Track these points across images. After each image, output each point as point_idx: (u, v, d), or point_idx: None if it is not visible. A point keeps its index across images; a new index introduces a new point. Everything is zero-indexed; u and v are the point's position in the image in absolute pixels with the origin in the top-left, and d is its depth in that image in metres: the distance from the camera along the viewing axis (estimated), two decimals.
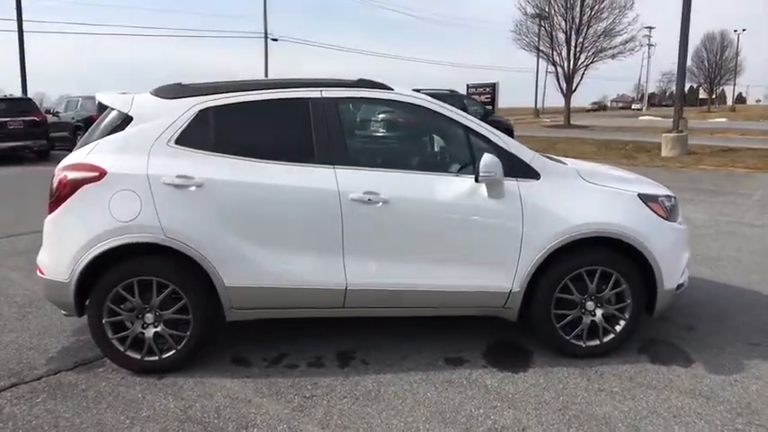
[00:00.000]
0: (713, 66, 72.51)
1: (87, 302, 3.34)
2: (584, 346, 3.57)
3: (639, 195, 3.60)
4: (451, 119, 3.52)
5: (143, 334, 3.35)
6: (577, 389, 3.24)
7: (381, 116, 3.78)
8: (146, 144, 3.33)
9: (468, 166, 3.49)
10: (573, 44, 29.12)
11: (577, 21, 28.73)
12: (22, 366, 3.50)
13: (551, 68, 30.55)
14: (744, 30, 65.12)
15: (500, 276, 3.44)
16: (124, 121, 3.39)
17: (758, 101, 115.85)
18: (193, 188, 3.26)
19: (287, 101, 3.45)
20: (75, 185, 3.26)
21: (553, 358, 3.59)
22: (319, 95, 3.45)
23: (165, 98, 3.44)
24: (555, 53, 29.59)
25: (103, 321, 3.31)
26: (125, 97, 3.50)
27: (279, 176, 3.32)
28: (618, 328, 3.58)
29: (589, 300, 3.53)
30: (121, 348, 3.36)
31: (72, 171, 3.28)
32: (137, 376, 3.37)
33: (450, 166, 3.54)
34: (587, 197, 3.51)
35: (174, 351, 3.37)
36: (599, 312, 3.55)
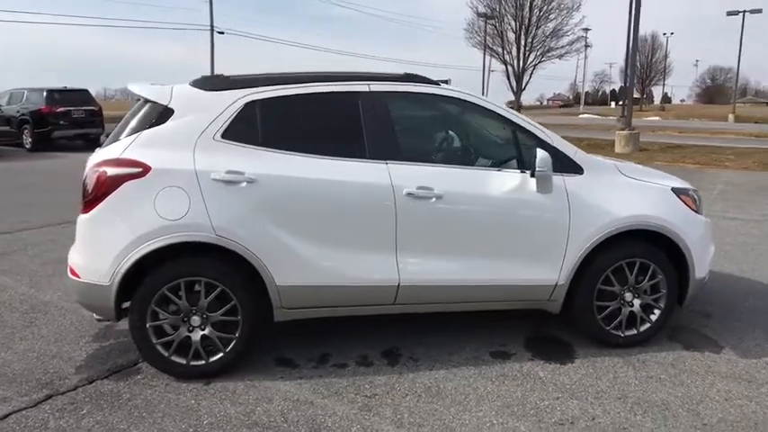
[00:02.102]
0: (645, 67, 76.13)
1: (129, 306, 3.15)
2: (622, 335, 3.68)
3: (673, 189, 3.74)
4: (498, 113, 3.54)
5: (189, 337, 3.20)
6: (628, 377, 3.33)
7: (428, 110, 3.75)
8: (190, 138, 3.17)
9: (515, 160, 3.52)
10: (522, 44, 29.98)
11: (527, 21, 29.56)
12: (51, 376, 3.26)
13: (499, 67, 31.45)
14: (672, 33, 68.91)
15: (547, 270, 3.50)
16: (163, 114, 3.21)
17: (683, 100, 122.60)
18: (244, 184, 3.13)
19: (335, 95, 3.37)
20: (115, 182, 3.06)
21: (592, 348, 3.68)
22: (368, 89, 3.39)
23: (207, 90, 3.28)
24: (505, 52, 30.42)
25: (147, 326, 3.14)
26: (163, 89, 3.31)
27: (332, 172, 3.23)
28: (653, 317, 3.71)
29: (627, 291, 3.64)
30: (165, 353, 3.19)
31: (112, 167, 3.08)
32: (181, 382, 3.21)
33: (497, 160, 3.55)
34: (627, 191, 3.61)
35: (221, 354, 3.23)
36: (637, 303, 3.67)
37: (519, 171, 3.47)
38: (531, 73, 30.53)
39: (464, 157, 3.68)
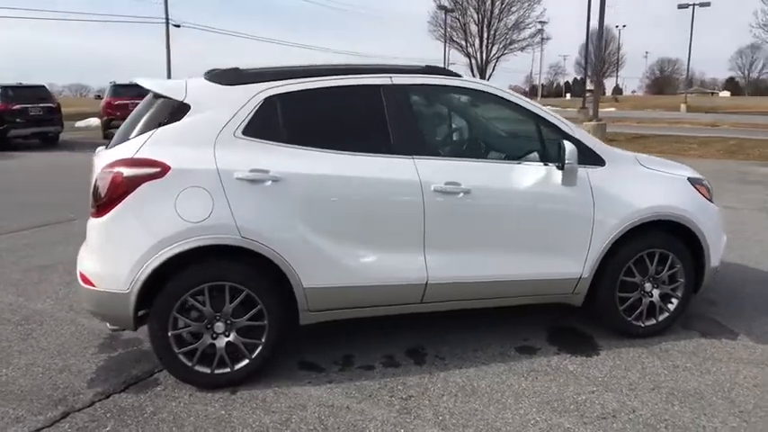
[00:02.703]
0: (599, 59, 78.00)
1: (149, 314, 2.97)
2: (643, 325, 3.70)
3: (689, 179, 3.78)
4: (520, 105, 3.49)
5: (213, 345, 3.04)
6: (655, 368, 3.35)
7: (450, 103, 3.67)
8: (209, 135, 3.00)
9: (536, 153, 3.48)
10: (485, 36, 30.24)
11: (489, 13, 29.83)
12: (63, 392, 3.06)
13: (460, 60, 31.64)
14: (624, 26, 70.74)
15: (572, 263, 3.48)
16: (179, 110, 3.04)
17: (634, 91, 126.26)
18: (269, 183, 2.99)
19: (358, 88, 3.25)
20: (132, 184, 2.87)
21: (613, 339, 3.69)
22: (390, 82, 3.28)
23: (224, 84, 3.12)
24: (468, 45, 30.64)
25: (169, 334, 2.97)
26: (177, 84, 3.13)
27: (358, 169, 3.12)
28: (671, 306, 3.74)
29: (647, 281, 3.67)
30: (189, 363, 3.02)
31: (128, 167, 2.89)
32: (206, 392, 3.05)
33: (521, 153, 3.50)
34: (647, 182, 3.63)
35: (247, 361, 3.09)
36: (656, 293, 3.69)
37: (542, 164, 3.44)
38: (495, 65, 30.93)
39: (488, 151, 3.63)
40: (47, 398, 3.00)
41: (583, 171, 3.45)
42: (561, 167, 3.30)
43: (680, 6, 44.37)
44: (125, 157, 2.93)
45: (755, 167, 12.53)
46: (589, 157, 3.50)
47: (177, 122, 3.01)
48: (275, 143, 3.07)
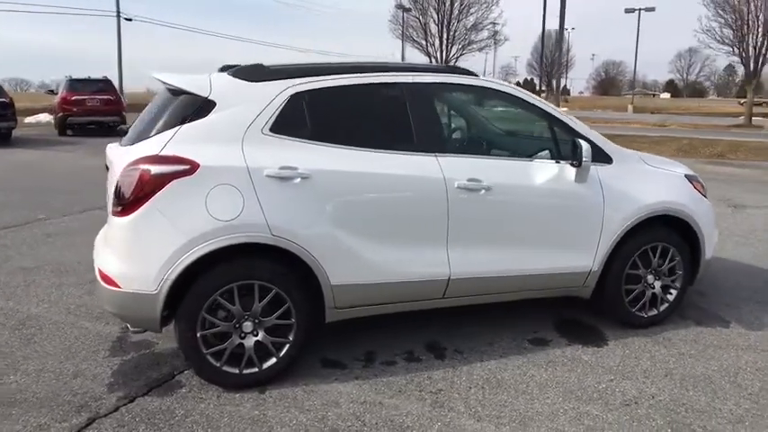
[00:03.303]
0: (549, 60, 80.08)
1: (177, 315, 2.91)
2: (645, 316, 3.87)
3: (686, 176, 3.98)
4: (534, 105, 3.59)
5: (242, 345, 3.01)
6: (663, 355, 3.52)
7: (469, 102, 3.74)
8: (237, 132, 2.97)
9: (550, 151, 3.58)
10: (445, 36, 30.62)
11: (448, 14, 30.21)
12: (83, 398, 2.95)
13: (421, 59, 31.87)
14: (573, 29, 72.76)
15: (584, 257, 3.61)
16: (204, 106, 2.98)
17: (581, 92, 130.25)
18: (298, 180, 2.98)
19: (382, 85, 3.28)
20: (161, 181, 2.81)
21: (617, 330, 3.85)
22: (412, 80, 3.32)
23: (250, 81, 3.08)
24: (428, 44, 30.95)
25: (198, 335, 2.91)
26: (200, 79, 3.07)
27: (385, 165, 3.15)
28: (670, 297, 3.93)
29: (649, 273, 3.84)
30: (217, 363, 2.98)
31: (156, 165, 2.82)
32: (234, 392, 3.01)
33: (536, 151, 3.59)
34: (651, 179, 3.80)
35: (275, 360, 3.07)
36: (657, 284, 3.87)
37: (554, 161, 3.55)
38: (455, 65, 31.18)
39: (504, 148, 3.71)
40: (67, 404, 2.90)
41: (593, 168, 3.57)
42: (578, 165, 3.42)
43: (627, 11, 46.16)
44: (151, 153, 2.86)
45: (711, 166, 13.18)
46: (598, 155, 3.63)
47: (203, 119, 2.96)
48: (302, 140, 3.06)
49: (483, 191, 3.30)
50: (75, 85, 16.88)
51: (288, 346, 3.08)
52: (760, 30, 25.85)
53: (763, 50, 26.28)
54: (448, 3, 30.10)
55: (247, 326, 3.00)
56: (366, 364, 3.37)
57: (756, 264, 5.41)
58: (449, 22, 30.47)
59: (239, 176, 2.89)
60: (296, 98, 3.08)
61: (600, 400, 3.01)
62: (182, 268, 2.81)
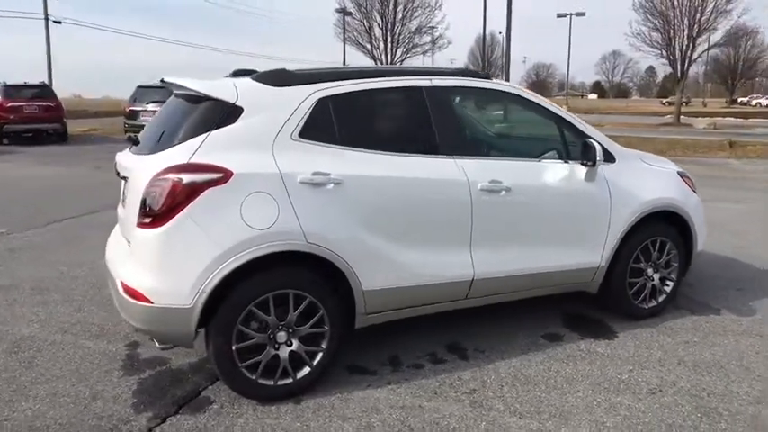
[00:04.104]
0: (486, 63, 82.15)
1: (212, 328, 2.81)
2: (646, 307, 4.05)
3: (678, 173, 4.19)
4: (544, 107, 3.70)
5: (276, 356, 2.93)
6: (670, 344, 3.69)
7: (483, 105, 3.79)
8: (267, 139, 2.90)
9: (558, 151, 3.70)
10: (389, 40, 30.86)
11: (392, 18, 30.46)
12: (110, 421, 2.80)
13: (363, 61, 31.98)
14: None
15: (593, 253, 3.74)
16: (232, 112, 2.89)
17: None
18: (331, 186, 2.94)
19: (403, 89, 3.28)
20: (194, 190, 2.71)
21: (621, 321, 4.01)
22: (431, 84, 3.35)
23: (276, 86, 3.02)
24: (373, 48, 31.10)
25: (233, 348, 2.82)
26: (224, 85, 2.98)
27: (412, 170, 3.16)
28: (667, 288, 4.13)
29: (649, 267, 4.02)
30: (252, 376, 2.90)
31: (188, 174, 2.71)
32: (268, 405, 2.94)
33: (546, 152, 3.69)
34: (650, 176, 3.98)
35: (309, 369, 3.01)
36: (656, 277, 4.07)
37: (563, 161, 3.66)
38: None
39: (519, 149, 3.79)
40: (94, 428, 2.74)
41: (600, 167, 3.71)
42: (593, 164, 3.54)
43: (559, 15, 48.03)
44: (180, 162, 2.74)
45: None
46: (604, 155, 3.77)
47: (231, 126, 2.87)
48: (330, 145, 3.02)
49: (503, 192, 3.37)
50: (10, 91, 15.89)
51: (321, 354, 3.03)
52: (685, 33, 27.53)
53: (689, 53, 28.03)
54: (392, 6, 30.39)
55: (281, 336, 2.94)
56: (394, 368, 3.36)
57: (726, 255, 5.74)
58: (393, 26, 30.76)
59: (273, 184, 2.82)
60: (322, 103, 3.04)
61: (627, 390, 3.13)
62: (218, 280, 2.71)
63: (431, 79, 3.37)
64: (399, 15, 30.39)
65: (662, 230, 3.99)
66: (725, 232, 6.52)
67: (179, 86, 3.11)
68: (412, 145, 3.23)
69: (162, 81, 3.27)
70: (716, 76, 73.36)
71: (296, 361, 2.99)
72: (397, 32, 30.64)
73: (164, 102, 12.03)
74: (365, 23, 30.94)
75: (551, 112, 3.71)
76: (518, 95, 3.66)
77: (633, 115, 44.34)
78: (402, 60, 31.32)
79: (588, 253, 3.73)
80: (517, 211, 3.45)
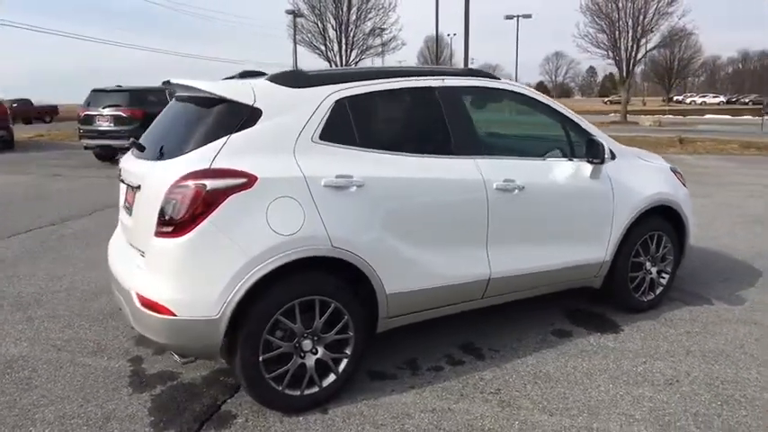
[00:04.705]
0: (434, 64, 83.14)
1: (239, 339, 2.69)
2: (645, 300, 4.16)
3: (671, 168, 4.32)
4: (550, 107, 3.74)
5: (303, 365, 2.85)
6: (674, 335, 3.79)
7: (491, 104, 3.78)
8: (288, 141, 2.81)
9: (562, 150, 3.75)
10: (344, 42, 30.75)
11: (346, 20, 30.36)
12: None
13: (313, 64, 31.79)
14: (455, 34, 76.20)
15: (598, 249, 3.81)
16: (251, 115, 2.79)
17: None
18: (354, 189, 2.88)
19: (418, 90, 3.25)
20: (218, 197, 2.59)
21: (623, 315, 4.10)
22: (443, 84, 3.33)
23: (293, 87, 2.93)
24: (328, 49, 30.89)
25: (260, 359, 2.72)
26: (242, 87, 2.87)
27: (431, 170, 3.13)
28: (663, 281, 4.26)
29: (648, 260, 4.13)
30: (279, 387, 2.80)
31: (211, 179, 2.59)
32: (295, 416, 2.84)
33: (555, 150, 3.73)
34: (647, 173, 4.10)
35: (334, 377, 2.94)
36: (654, 270, 4.18)
37: (568, 159, 3.72)
38: None
39: (528, 149, 3.81)
40: None
41: (603, 165, 3.78)
42: (601, 162, 3.61)
43: (507, 17, 48.94)
44: (201, 168, 2.62)
45: None
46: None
47: (250, 129, 2.76)
48: (349, 147, 2.96)
49: (516, 190, 3.38)
50: None
51: (346, 361, 2.96)
52: (630, 34, 28.63)
53: (634, 53, 29.16)
54: (345, 8, 30.31)
55: (307, 344, 2.85)
56: (413, 371, 3.32)
57: (705, 247, 5.95)
58: (347, 28, 30.67)
59: (298, 187, 2.74)
60: (340, 104, 2.97)
61: (645, 382, 3.20)
62: (246, 288, 2.61)
63: (443, 79, 3.35)
64: (353, 17, 30.40)
65: (659, 225, 4.11)
66: (698, 226, 6.76)
67: (189, 88, 2.97)
68: (429, 145, 3.21)
69: (167, 83, 3.12)
70: (653, 75, 76.61)
71: (321, 369, 2.91)
72: (352, 34, 30.63)
73: (120, 105, 11.63)
74: (319, 25, 30.78)
75: (557, 111, 3.76)
76: (526, 95, 3.69)
77: (580, 114, 45.63)
78: (356, 62, 31.31)
79: (594, 249, 3.79)
80: (530, 210, 3.47)
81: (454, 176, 3.20)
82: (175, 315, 2.59)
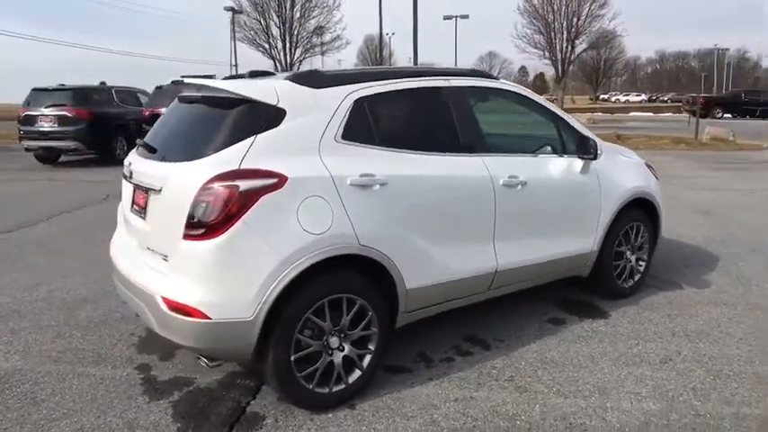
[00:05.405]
0: (374, 62, 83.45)
1: (273, 340, 2.69)
2: (627, 287, 4.44)
3: (645, 163, 4.62)
4: (544, 106, 3.93)
5: (332, 362, 2.88)
6: (657, 318, 4.06)
7: (492, 103, 3.89)
8: (313, 141, 2.84)
9: (552, 146, 3.94)
10: (288, 40, 30.40)
11: (290, 17, 30.02)
12: None
13: (252, 62, 31.33)
14: (393, 34, 76.97)
15: (588, 239, 4.03)
16: (275, 115, 2.79)
17: None
18: (377, 187, 2.94)
19: (428, 89, 3.34)
20: (251, 198, 2.59)
21: (608, 301, 4.35)
22: (449, 84, 3.44)
23: (313, 87, 2.95)
24: (271, 47, 30.44)
25: (291, 359, 2.73)
26: (264, 87, 2.86)
27: (445, 168, 3.23)
28: (641, 268, 4.55)
29: (628, 249, 4.40)
30: (309, 386, 2.82)
31: (244, 180, 2.58)
32: (324, 414, 2.87)
33: (545, 147, 3.91)
34: (627, 167, 4.37)
35: (359, 373, 2.99)
36: (633, 258, 4.46)
37: (558, 155, 3.92)
38: (299, 68, 31.18)
39: (523, 146, 3.97)
40: None
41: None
42: (594, 157, 3.83)
43: (445, 18, 49.85)
44: (231, 169, 2.61)
45: None
46: None
47: (275, 129, 2.77)
48: (370, 146, 3.01)
49: (519, 186, 3.54)
50: None
51: (370, 356, 3.02)
52: (564, 36, 29.90)
53: (569, 54, 30.48)
54: (288, 5, 29.98)
55: (334, 341, 2.89)
56: (427, 364, 3.41)
57: (663, 236, 6.34)
58: (291, 26, 30.35)
59: (326, 187, 2.77)
60: (359, 103, 3.02)
61: (643, 362, 3.43)
62: (280, 289, 2.62)
63: (449, 79, 3.45)
64: (297, 15, 30.13)
65: (637, 216, 4.38)
66: None
67: (207, 88, 2.94)
68: (441, 143, 3.31)
69: (179, 82, 3.07)
70: (581, 75, 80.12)
71: (348, 365, 2.95)
72: (296, 32, 30.34)
73: (65, 105, 11.09)
74: (262, 22, 30.29)
75: (550, 110, 3.95)
76: (522, 95, 3.87)
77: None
78: (301, 60, 31.11)
79: (585, 239, 4.01)
80: (531, 204, 3.63)
81: (466, 173, 3.31)
82: (210, 318, 2.56)
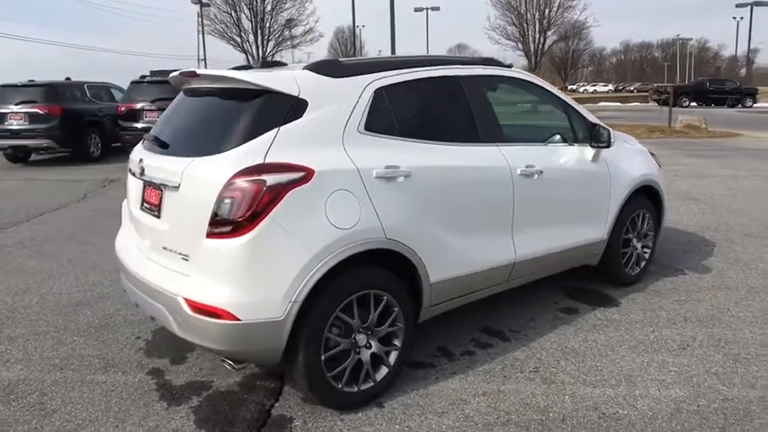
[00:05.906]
0: (345, 55, 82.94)
1: (303, 339, 2.60)
2: (633, 274, 4.46)
3: (648, 151, 4.64)
4: (556, 95, 3.90)
5: (360, 360, 2.80)
6: (667, 304, 4.09)
7: (505, 92, 3.83)
8: (336, 133, 2.74)
9: (562, 135, 3.91)
10: (259, 33, 29.88)
11: (261, 10, 29.51)
12: None
13: (221, 56, 30.79)
14: (363, 26, 76.49)
15: (600, 228, 4.03)
16: (296, 107, 2.69)
17: None
18: (401, 179, 2.86)
19: (446, 79, 3.27)
20: (278, 193, 2.48)
21: (615, 289, 4.36)
22: (467, 73, 3.37)
23: (334, 77, 2.84)
24: (243, 41, 29.90)
25: (322, 358, 2.65)
26: (283, 77, 2.75)
27: (466, 159, 3.18)
28: (646, 255, 4.57)
29: (635, 237, 4.42)
30: (338, 385, 2.74)
31: (271, 174, 2.47)
32: (353, 413, 2.80)
33: (555, 136, 3.88)
34: (633, 156, 4.37)
35: (387, 370, 2.91)
36: (639, 245, 4.48)
37: (569, 144, 3.89)
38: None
39: (535, 135, 3.93)
40: None
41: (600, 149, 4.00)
42: (607, 146, 3.81)
43: (416, 9, 49.79)
44: (256, 163, 2.49)
45: None
46: None
47: (298, 121, 2.66)
48: (392, 137, 2.93)
49: (536, 175, 3.50)
50: None
51: (397, 353, 2.95)
52: (537, 27, 30.16)
53: (541, 45, 30.75)
54: None
55: (361, 339, 2.81)
56: (449, 358, 3.36)
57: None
58: (263, 18, 29.85)
59: (353, 180, 2.68)
60: (379, 93, 2.93)
61: (662, 348, 3.44)
62: (310, 286, 2.52)
63: (465, 68, 3.39)
64: (269, 7, 29.63)
65: (643, 203, 4.40)
66: None
67: (223, 79, 2.81)
68: (460, 133, 3.24)
69: (192, 73, 2.93)
70: (550, 65, 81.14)
71: (375, 363, 2.88)
72: (268, 25, 29.86)
73: (36, 102, 10.67)
74: (233, 15, 29.73)
75: (561, 99, 3.92)
76: (535, 84, 3.83)
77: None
78: (273, 54, 30.65)
79: (597, 228, 4.01)
80: (547, 193, 3.60)
81: (486, 164, 3.26)
82: (239, 319, 2.45)
